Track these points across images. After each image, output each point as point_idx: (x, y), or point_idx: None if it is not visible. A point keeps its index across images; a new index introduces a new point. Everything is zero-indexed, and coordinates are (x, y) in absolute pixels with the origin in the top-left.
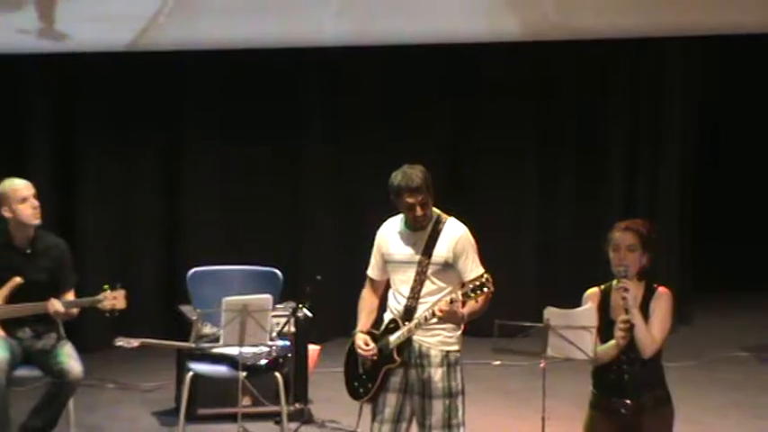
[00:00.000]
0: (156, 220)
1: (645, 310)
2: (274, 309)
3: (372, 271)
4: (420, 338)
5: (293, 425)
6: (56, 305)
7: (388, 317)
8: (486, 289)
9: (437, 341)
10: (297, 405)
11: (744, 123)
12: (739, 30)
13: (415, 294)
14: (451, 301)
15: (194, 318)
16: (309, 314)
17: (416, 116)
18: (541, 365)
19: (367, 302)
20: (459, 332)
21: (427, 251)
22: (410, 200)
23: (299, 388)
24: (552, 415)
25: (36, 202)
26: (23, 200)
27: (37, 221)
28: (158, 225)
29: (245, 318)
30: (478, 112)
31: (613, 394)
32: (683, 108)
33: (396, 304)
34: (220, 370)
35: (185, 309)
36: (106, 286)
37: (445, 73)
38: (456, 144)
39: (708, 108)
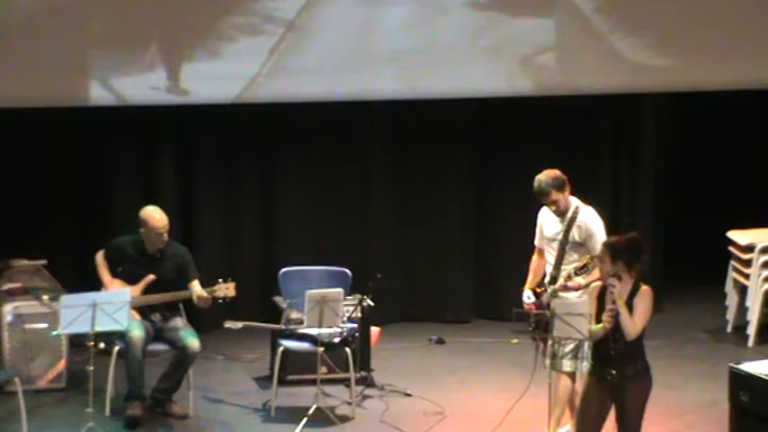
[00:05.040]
0: (257, 232)
1: (630, 301)
2: (345, 299)
3: (537, 241)
4: (559, 300)
5: (359, 388)
6: (201, 293)
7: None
8: (588, 267)
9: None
10: (362, 373)
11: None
12: (702, 87)
13: (557, 264)
14: (568, 277)
15: (285, 306)
16: (371, 303)
17: (454, 152)
18: (549, 344)
19: (534, 265)
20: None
21: (566, 232)
22: (542, 200)
23: (363, 360)
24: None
25: (166, 236)
26: (159, 234)
27: (162, 245)
28: (258, 236)
29: (323, 306)
30: (504, 152)
31: (602, 364)
32: (655, 149)
33: (547, 271)
34: (304, 346)
35: (278, 299)
36: (221, 280)
37: (476, 122)
38: (481, 173)
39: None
